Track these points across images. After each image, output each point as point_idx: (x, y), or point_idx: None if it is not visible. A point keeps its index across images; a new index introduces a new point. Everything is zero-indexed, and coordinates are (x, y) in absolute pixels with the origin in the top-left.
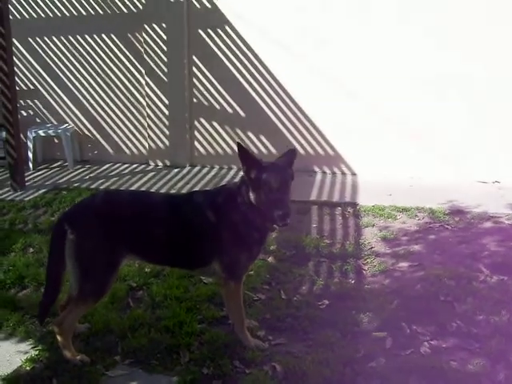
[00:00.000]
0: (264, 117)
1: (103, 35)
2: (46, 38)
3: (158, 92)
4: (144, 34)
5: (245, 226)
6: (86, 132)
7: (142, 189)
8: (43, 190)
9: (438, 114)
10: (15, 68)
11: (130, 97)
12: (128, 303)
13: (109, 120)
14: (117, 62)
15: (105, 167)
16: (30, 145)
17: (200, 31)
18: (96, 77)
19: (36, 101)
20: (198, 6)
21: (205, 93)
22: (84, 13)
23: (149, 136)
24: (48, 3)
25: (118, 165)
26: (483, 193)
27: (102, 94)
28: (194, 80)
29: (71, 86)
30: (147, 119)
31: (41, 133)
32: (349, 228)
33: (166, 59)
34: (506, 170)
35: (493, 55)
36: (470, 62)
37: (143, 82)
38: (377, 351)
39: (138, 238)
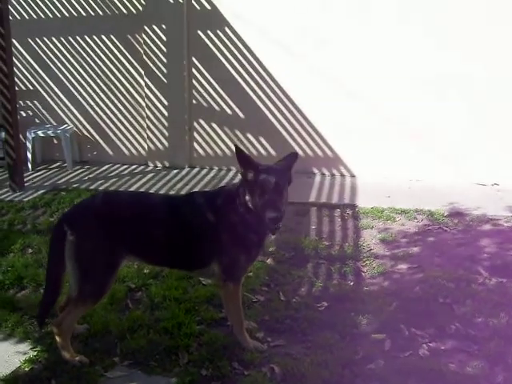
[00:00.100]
0: (263, 118)
1: (103, 36)
2: (45, 39)
3: (158, 93)
4: (144, 35)
5: (243, 228)
6: (86, 133)
7: (141, 190)
8: (42, 191)
9: (437, 115)
10: (15, 68)
11: (129, 98)
12: (127, 304)
13: (108, 121)
14: (116, 63)
15: (104, 168)
16: (29, 145)
17: (199, 32)
18: (95, 78)
19: (35, 101)
20: (197, 7)
21: (204, 94)
22: (84, 14)
23: (148, 137)
24: (48, 4)
25: (117, 166)
26: (482, 195)
27: (102, 95)
28: (194, 81)
29: (71, 87)
30: (146, 120)
31: (40, 133)
32: (348, 230)
33: (165, 60)
34: (505, 172)
35: (493, 55)
36: (470, 62)
37: (142, 83)
38: (375, 353)
39: (138, 239)
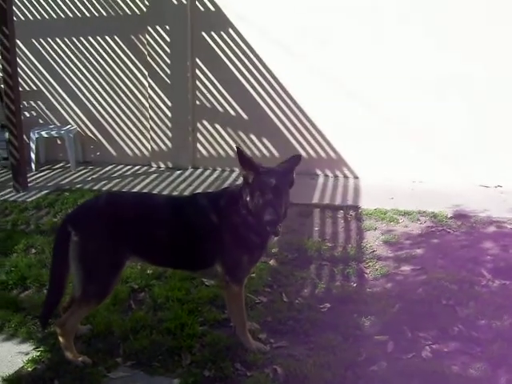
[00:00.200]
0: (266, 119)
1: (107, 37)
2: (49, 40)
3: (161, 94)
4: (147, 36)
5: (245, 229)
6: (89, 133)
7: (145, 190)
8: (45, 191)
9: (440, 117)
10: (18, 69)
11: (132, 99)
12: (130, 305)
13: (111, 122)
14: (120, 63)
15: (107, 169)
16: (33, 146)
17: (203, 33)
18: (99, 78)
19: (39, 102)
20: (201, 8)
21: (207, 95)
22: (88, 14)
23: (151, 138)
24: (52, 5)
25: (120, 166)
26: (485, 197)
27: (105, 96)
28: (197, 82)
29: (74, 88)
30: (150, 121)
31: (43, 134)
32: (351, 231)
33: (169, 61)
34: (508, 174)
35: (494, 55)
36: (472, 63)
37: (146, 84)
38: (378, 355)
39: (141, 240)
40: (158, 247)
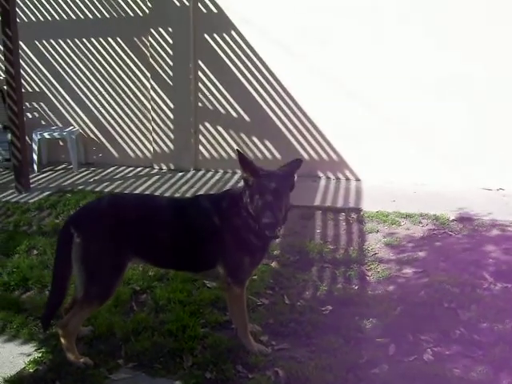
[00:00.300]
0: (269, 121)
1: (109, 39)
2: (52, 41)
3: (164, 96)
4: (150, 38)
5: (247, 232)
6: (91, 135)
7: (147, 192)
8: (48, 193)
9: (441, 119)
10: (21, 70)
11: (135, 100)
12: (131, 307)
13: (114, 123)
14: (123, 65)
15: (109, 170)
16: (35, 147)
17: (206, 35)
18: (102, 80)
19: (42, 103)
20: (203, 10)
21: (210, 97)
22: (91, 16)
23: (153, 139)
24: (55, 7)
25: (122, 168)
26: (488, 200)
27: (108, 97)
28: (200, 84)
29: (77, 89)
30: (152, 123)
31: (46, 135)
32: (352, 234)
33: (171, 63)
34: (511, 177)
35: (495, 55)
36: (472, 63)
37: (148, 86)
38: (380, 357)
39: (144, 242)
40: (160, 249)
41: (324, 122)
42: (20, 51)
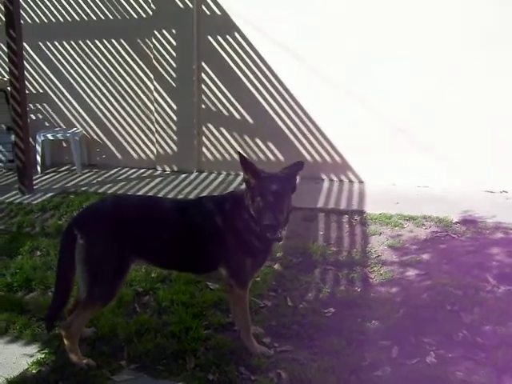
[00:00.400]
0: (272, 123)
1: (113, 40)
2: (56, 43)
3: (167, 97)
4: (153, 40)
5: (249, 234)
6: (95, 136)
7: (150, 194)
8: (51, 194)
9: (443, 122)
10: (25, 72)
11: (138, 102)
12: (134, 308)
13: (117, 125)
14: (126, 67)
15: (112, 171)
16: (39, 148)
17: (209, 37)
18: (105, 81)
19: (45, 105)
20: (207, 12)
21: (213, 99)
22: (94, 18)
23: (157, 141)
24: (59, 8)
25: (125, 169)
26: (491, 202)
27: (111, 99)
28: (203, 86)
29: (80, 91)
30: (155, 124)
31: (49, 136)
32: (355, 236)
33: (175, 65)
34: None
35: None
36: (473, 64)
37: (152, 88)
38: (382, 360)
39: (147, 243)
40: (164, 250)
41: (327, 124)
42: (24, 53)
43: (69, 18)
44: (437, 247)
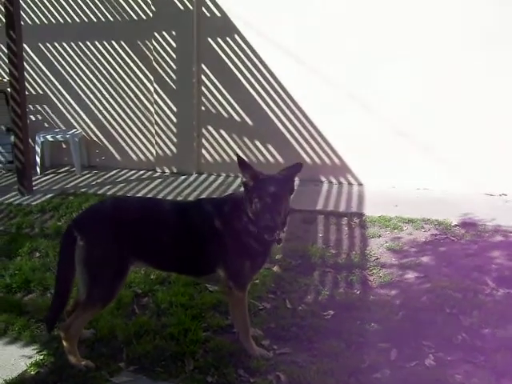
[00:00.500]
0: (271, 126)
1: (113, 42)
2: (56, 44)
3: (167, 99)
4: (154, 42)
5: (247, 236)
6: (94, 138)
7: (149, 195)
8: (50, 195)
9: (443, 125)
10: (25, 73)
11: (138, 104)
12: (133, 310)
13: (117, 126)
14: (126, 68)
15: (112, 173)
16: (38, 149)
17: (209, 39)
18: (105, 83)
19: (45, 106)
20: (207, 14)
21: (213, 101)
22: (94, 19)
23: (156, 143)
24: (59, 9)
25: (125, 171)
26: (490, 205)
27: (111, 100)
28: (203, 88)
29: (80, 92)
30: (155, 126)
31: (49, 138)
32: (355, 238)
33: (175, 67)
34: None
35: (498, 60)
36: (472, 68)
37: (152, 89)
38: (382, 362)
39: (146, 245)
40: (163, 252)
41: (326, 125)
42: (24, 54)
43: (69, 20)
44: (436, 250)
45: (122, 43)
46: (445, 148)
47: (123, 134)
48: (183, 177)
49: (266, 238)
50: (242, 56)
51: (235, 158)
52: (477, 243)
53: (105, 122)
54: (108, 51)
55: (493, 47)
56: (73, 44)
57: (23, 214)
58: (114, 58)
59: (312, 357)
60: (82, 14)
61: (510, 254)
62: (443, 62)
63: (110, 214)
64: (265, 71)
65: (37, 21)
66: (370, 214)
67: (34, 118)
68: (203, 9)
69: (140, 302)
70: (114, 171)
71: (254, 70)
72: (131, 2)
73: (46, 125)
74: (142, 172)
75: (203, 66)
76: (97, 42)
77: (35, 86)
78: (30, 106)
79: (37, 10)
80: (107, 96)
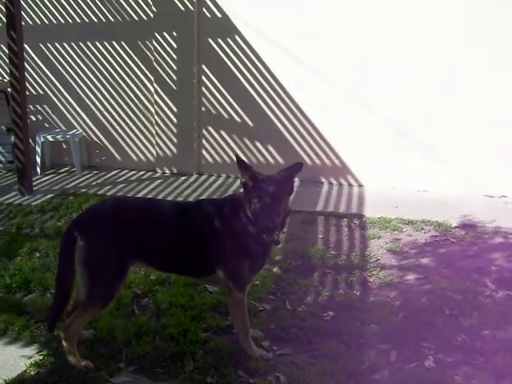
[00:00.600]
0: (272, 127)
1: (114, 42)
2: (57, 44)
3: (167, 100)
4: (154, 42)
5: (246, 237)
6: (94, 138)
7: (149, 196)
8: (50, 195)
9: (444, 127)
10: (26, 73)
11: (138, 104)
12: (133, 310)
13: (117, 126)
14: (126, 69)
15: (112, 173)
16: (39, 149)
17: (210, 40)
18: (105, 83)
19: (45, 106)
20: (208, 15)
21: (213, 101)
22: (95, 20)
23: (156, 143)
24: (60, 10)
25: (125, 171)
26: (490, 207)
27: (111, 101)
28: (203, 88)
29: (80, 92)
30: (155, 126)
31: (49, 138)
32: (355, 239)
33: (175, 67)
34: None
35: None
36: (471, 70)
37: (152, 90)
38: (381, 364)
39: (146, 245)
40: (163, 252)
41: (326, 126)
42: (25, 54)
43: (70, 20)
44: (436, 251)
45: (123, 43)
46: (445, 148)
47: (123, 135)
48: (183, 177)
49: (265, 239)
50: (243, 56)
51: (235, 159)
52: (477, 245)
53: (105, 123)
54: (108, 51)
55: (493, 47)
56: (73, 44)
57: (23, 214)
58: (115, 59)
59: (312, 358)
60: (82, 15)
61: (509, 256)
62: (443, 62)
63: (110, 215)
64: (265, 71)
65: (37, 21)
66: (370, 216)
67: (34, 118)
68: (204, 9)
69: (140, 302)
70: (115, 171)
71: (254, 70)
72: (132, 3)
73: (47, 125)
74: (142, 172)
75: (204, 66)
76: (97, 43)
77: (36, 86)
78: (31, 106)
79: (37, 10)
80: (108, 96)
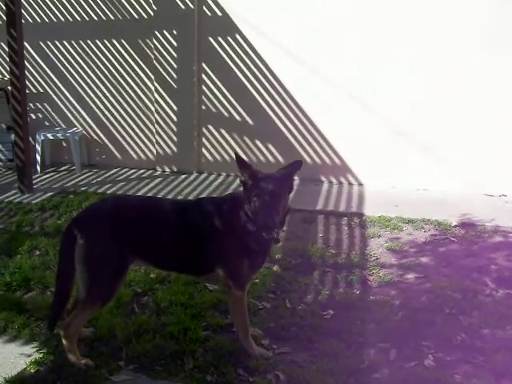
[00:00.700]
0: (272, 125)
1: (114, 41)
2: (57, 43)
3: (167, 98)
4: (154, 41)
5: (246, 235)
6: (94, 136)
7: (149, 194)
8: (50, 193)
9: (444, 126)
10: (26, 71)
11: (138, 102)
12: (133, 309)
13: (117, 125)
14: (127, 67)
15: (112, 172)
16: (39, 148)
17: (210, 39)
18: (106, 82)
19: (45, 104)
20: (208, 13)
21: (213, 100)
22: (95, 18)
23: (156, 142)
24: (60, 8)
25: (125, 170)
26: (490, 206)
27: (111, 99)
28: (203, 87)
29: (81, 91)
30: (155, 125)
31: (49, 136)
32: (355, 238)
33: (175, 66)
34: None
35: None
36: (472, 73)
37: (152, 88)
38: (381, 362)
39: (146, 244)
40: (163, 251)
41: (326, 125)
42: (25, 52)
43: (70, 18)
44: (436, 250)
45: (123, 42)
46: (445, 148)
47: (123, 133)
48: (183, 176)
49: (264, 237)
50: (243, 55)
51: (235, 157)
52: (476, 244)
53: (105, 121)
54: (109, 50)
55: (493, 47)
56: (73, 42)
57: (23, 212)
58: (115, 57)
59: (311, 356)
60: (82, 13)
61: (509, 255)
62: (443, 62)
63: (110, 213)
64: (265, 71)
65: (38, 19)
66: (370, 214)
67: (34, 117)
68: (204, 8)
69: (140, 300)
70: (115, 170)
71: (254, 69)
72: (132, 1)
73: (47, 123)
74: (142, 171)
75: (204, 65)
76: (97, 41)
77: (36, 84)
78: (31, 104)
79: (38, 8)
80: (108, 95)
